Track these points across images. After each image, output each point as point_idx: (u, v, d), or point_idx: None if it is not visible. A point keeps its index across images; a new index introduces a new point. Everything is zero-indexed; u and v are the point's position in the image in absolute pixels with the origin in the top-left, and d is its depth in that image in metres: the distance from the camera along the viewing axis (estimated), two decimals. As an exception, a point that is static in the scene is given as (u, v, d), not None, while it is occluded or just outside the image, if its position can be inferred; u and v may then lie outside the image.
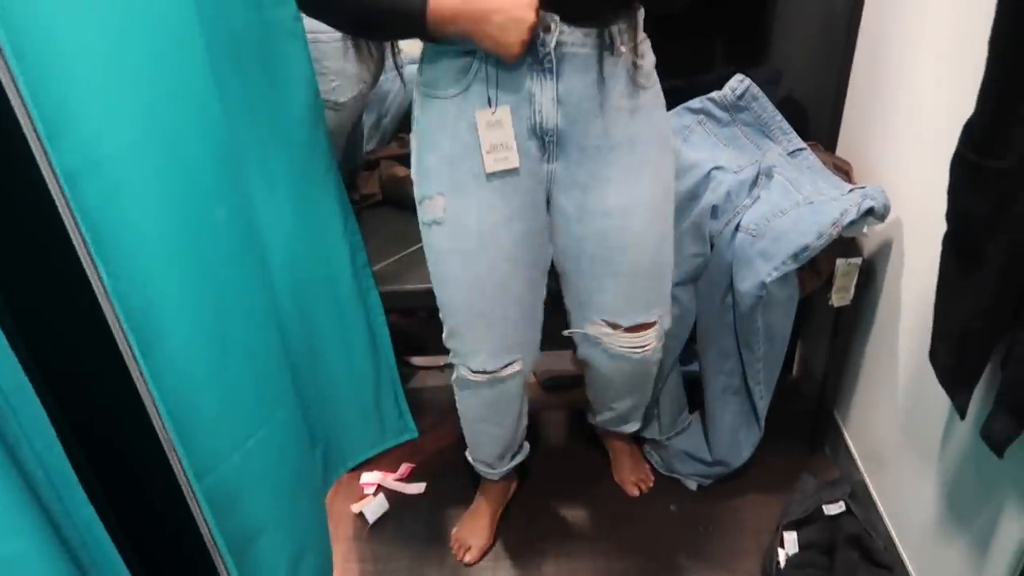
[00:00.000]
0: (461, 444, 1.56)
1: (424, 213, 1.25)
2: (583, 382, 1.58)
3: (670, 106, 1.56)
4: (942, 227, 1.00)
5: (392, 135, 1.95)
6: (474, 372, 1.35)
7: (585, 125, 1.14)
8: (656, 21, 1.17)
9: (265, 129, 1.27)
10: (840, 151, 1.64)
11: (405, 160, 1.76)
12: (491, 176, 1.17)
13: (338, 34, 1.49)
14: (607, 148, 1.17)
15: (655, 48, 1.19)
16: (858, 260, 1.44)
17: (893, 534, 1.48)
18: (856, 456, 1.64)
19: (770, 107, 1.54)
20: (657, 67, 1.20)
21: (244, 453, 1.15)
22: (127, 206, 0.87)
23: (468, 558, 1.58)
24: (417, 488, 1.75)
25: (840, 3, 1.53)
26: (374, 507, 1.69)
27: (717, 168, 1.46)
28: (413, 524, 1.68)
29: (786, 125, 1.55)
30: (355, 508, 1.70)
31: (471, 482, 1.67)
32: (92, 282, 0.63)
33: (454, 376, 1.42)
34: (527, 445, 1.60)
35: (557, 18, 1.05)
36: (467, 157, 1.16)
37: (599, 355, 1.36)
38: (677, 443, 1.69)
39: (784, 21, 1.82)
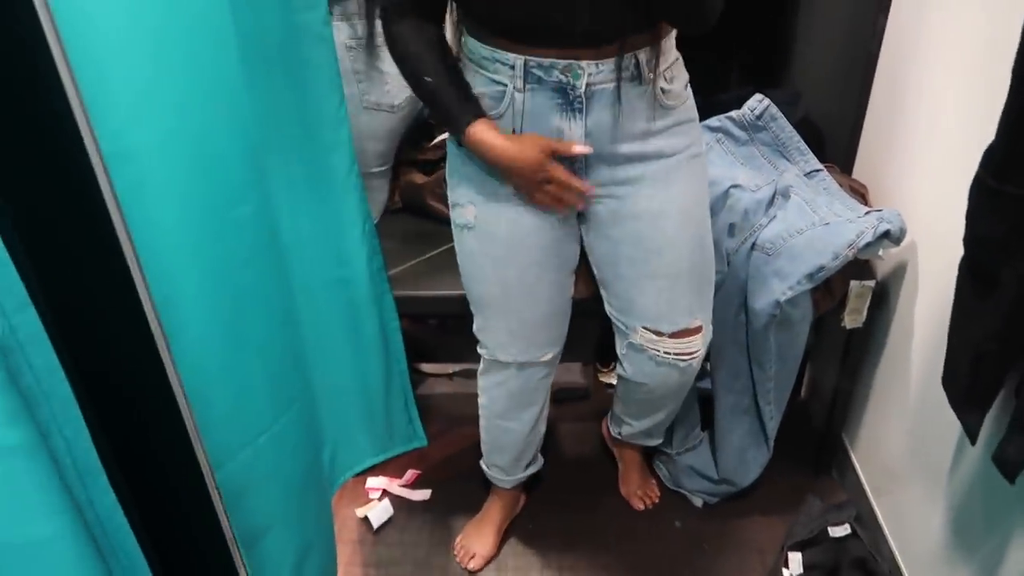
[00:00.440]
0: (468, 452, 1.56)
1: (456, 216, 1.29)
2: (591, 395, 1.58)
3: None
4: (957, 252, 1.01)
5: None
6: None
7: (615, 148, 1.17)
8: (678, 40, 1.19)
9: (289, 130, 1.29)
10: (857, 173, 1.65)
11: (423, 166, 1.79)
12: None
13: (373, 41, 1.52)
14: (637, 159, 1.19)
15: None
16: (872, 283, 1.44)
17: (899, 558, 1.47)
18: (863, 479, 1.64)
19: (788, 127, 1.55)
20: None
21: (255, 449, 1.16)
22: (152, 198, 0.89)
23: (472, 565, 1.58)
24: (422, 495, 1.75)
25: (861, 26, 1.55)
26: (379, 512, 1.69)
27: (735, 186, 1.47)
28: (417, 530, 1.68)
29: (803, 146, 1.56)
30: (360, 512, 1.70)
31: (477, 491, 1.67)
32: (132, 271, 0.64)
33: (481, 365, 1.44)
34: (541, 458, 1.61)
35: (584, 65, 1.09)
36: (496, 175, 1.19)
37: (646, 363, 1.36)
38: (685, 459, 1.69)
39: (804, 43, 1.84)
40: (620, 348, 1.39)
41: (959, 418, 1.07)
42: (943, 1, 1.32)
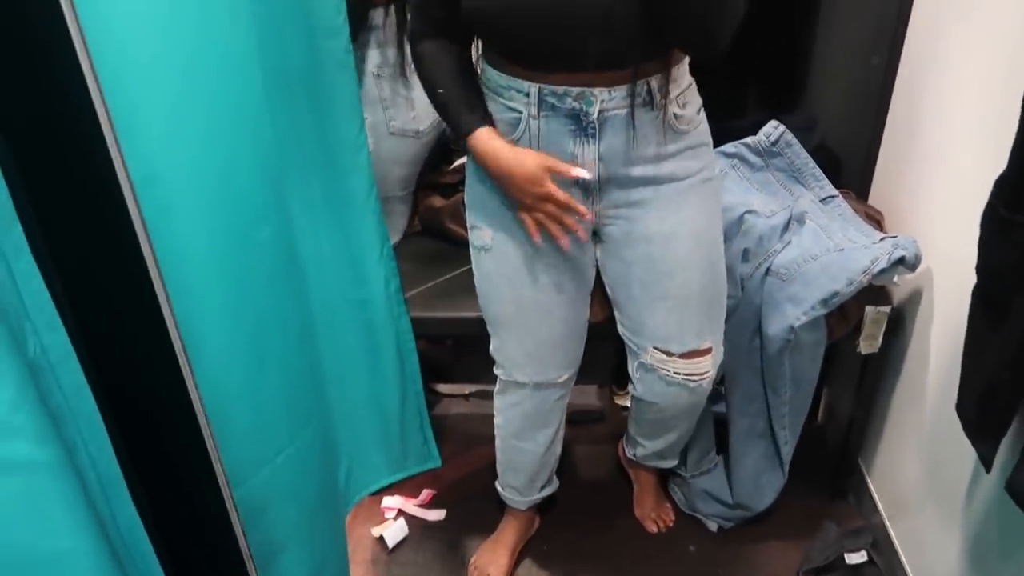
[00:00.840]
0: (483, 473, 1.57)
1: (474, 237, 1.31)
2: (606, 417, 1.59)
3: (704, 149, 1.59)
4: (972, 279, 1.01)
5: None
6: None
7: (628, 171, 1.19)
8: (693, 67, 1.20)
9: (310, 154, 1.32)
10: (872, 200, 1.66)
11: (443, 190, 1.82)
12: None
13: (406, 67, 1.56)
14: (650, 182, 1.21)
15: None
16: (887, 308, 1.44)
17: (915, 587, 1.46)
18: (880, 505, 1.63)
19: (803, 154, 1.56)
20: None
21: (273, 468, 1.18)
22: (177, 220, 0.92)
23: (485, 586, 1.59)
24: (438, 515, 1.76)
25: (877, 54, 1.56)
26: (394, 531, 1.70)
27: (749, 212, 1.48)
28: (432, 550, 1.68)
29: (819, 172, 1.57)
30: (375, 532, 1.71)
31: (492, 512, 1.68)
32: (156, 290, 0.67)
33: (497, 386, 1.45)
34: (556, 480, 1.61)
35: (597, 92, 1.11)
36: (499, 184, 1.21)
37: (656, 383, 1.37)
38: (700, 482, 1.69)
39: (820, 69, 1.85)
40: (632, 368, 1.41)
41: (973, 446, 1.07)
42: (958, 29, 1.33)
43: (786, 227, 1.47)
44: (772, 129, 1.56)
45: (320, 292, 1.40)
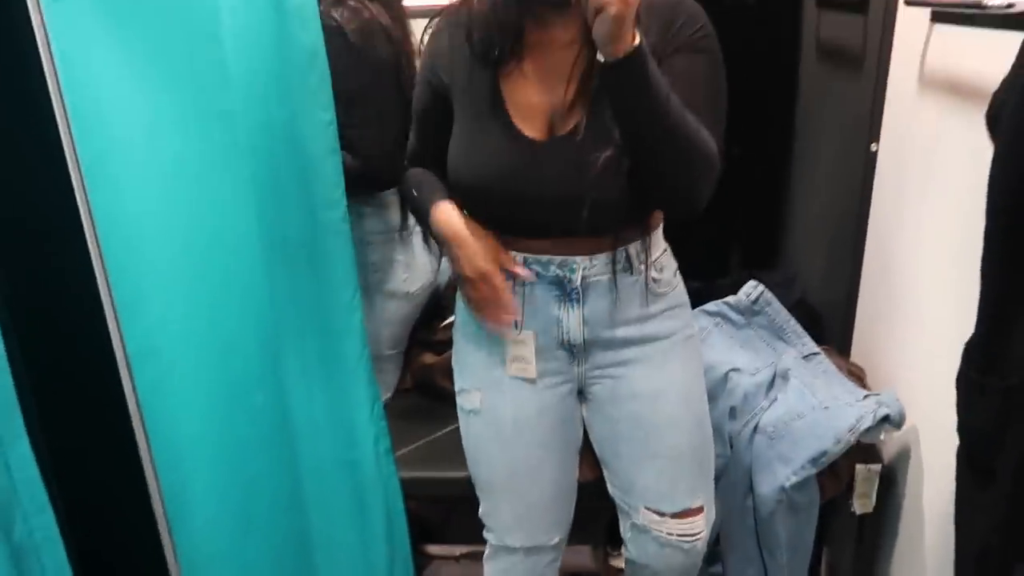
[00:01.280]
0: (473, 642, 1.49)
1: (463, 401, 1.33)
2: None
3: (688, 308, 1.64)
4: (956, 436, 1.02)
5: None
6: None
7: (611, 333, 1.23)
8: (674, 227, 1.27)
9: (306, 318, 1.36)
10: (854, 356, 1.69)
11: (434, 347, 1.85)
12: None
13: (405, 229, 1.63)
14: (633, 343, 1.24)
15: (673, 254, 1.29)
16: (878, 466, 1.44)
17: None
18: (891, 677, 1.54)
19: (784, 312, 1.61)
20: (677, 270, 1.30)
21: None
22: (173, 391, 0.94)
23: None
24: None
25: (847, 212, 1.64)
26: None
27: (734, 370, 1.51)
28: None
29: (800, 329, 1.61)
30: None
31: None
32: (142, 457, 0.67)
33: (487, 551, 1.41)
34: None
35: (579, 260, 1.17)
36: (500, 361, 1.26)
37: (650, 545, 1.34)
38: (699, 652, 1.61)
39: (796, 228, 1.94)
40: (624, 529, 1.38)
41: (976, 614, 1.04)
42: (917, 197, 1.42)
43: (771, 384, 1.50)
44: (751, 288, 1.62)
45: (310, 454, 1.40)
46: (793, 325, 1.60)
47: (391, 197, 1.63)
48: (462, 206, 1.24)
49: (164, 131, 0.93)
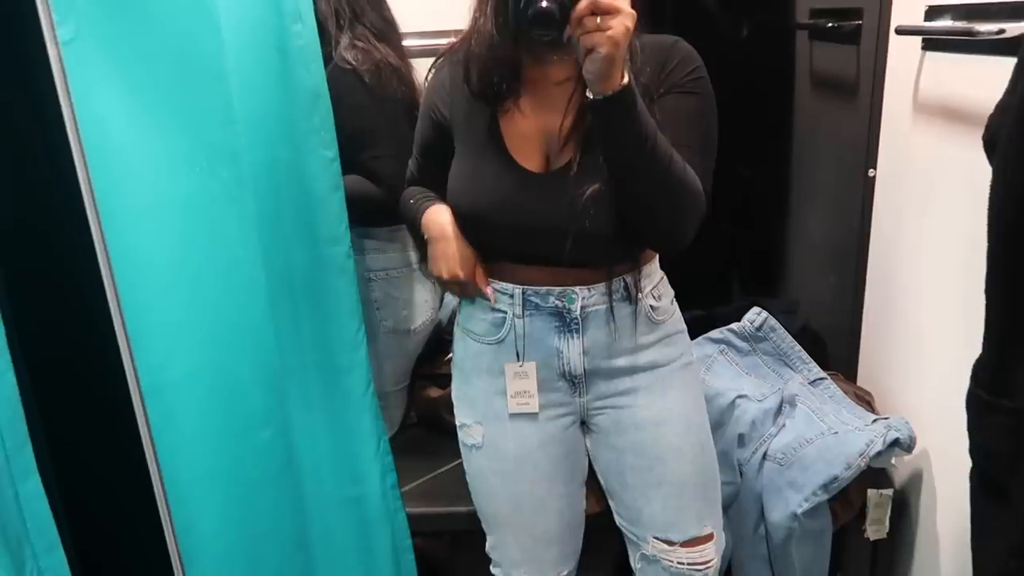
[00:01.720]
0: None
1: (464, 436, 1.32)
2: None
3: (692, 336, 1.64)
4: (968, 459, 1.01)
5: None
6: None
7: (611, 363, 1.23)
8: (676, 255, 1.28)
9: (311, 353, 1.36)
10: (861, 381, 1.69)
11: (439, 380, 1.84)
12: None
13: (406, 266, 1.64)
14: (633, 371, 1.24)
15: (676, 282, 1.30)
16: (890, 491, 1.42)
17: None
18: None
19: (788, 338, 1.61)
20: (678, 298, 1.30)
21: None
22: (181, 428, 0.94)
23: None
24: None
25: (846, 238, 1.65)
26: None
27: (741, 396, 1.51)
28: None
29: (805, 355, 1.61)
30: None
31: None
32: (158, 498, 0.67)
33: None
34: None
35: (578, 290, 1.18)
36: (501, 394, 1.25)
37: (660, 575, 1.32)
38: None
39: (798, 255, 1.95)
40: (634, 561, 1.36)
41: (996, 640, 1.02)
42: (916, 220, 1.43)
43: (778, 410, 1.49)
44: (755, 316, 1.62)
45: (316, 490, 1.39)
46: (798, 351, 1.60)
47: (392, 234, 1.65)
48: (463, 235, 1.25)
49: (171, 169, 0.94)
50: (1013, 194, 0.85)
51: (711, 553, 1.30)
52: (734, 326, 1.64)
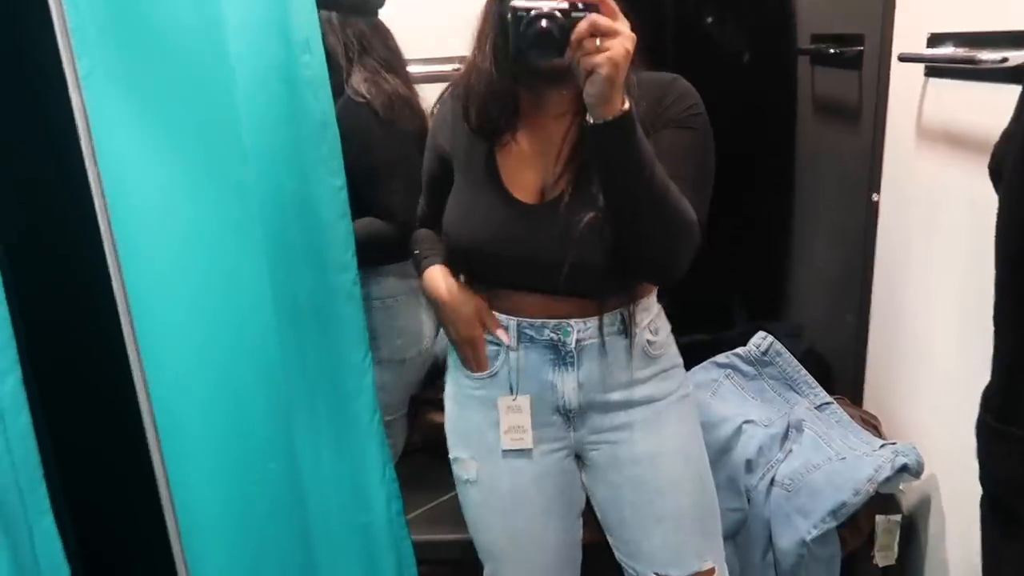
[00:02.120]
0: None
1: (459, 470, 1.32)
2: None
3: (697, 360, 1.64)
4: (977, 484, 1.01)
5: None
6: None
7: (606, 397, 1.23)
8: (680, 281, 1.28)
9: (316, 381, 1.35)
10: (867, 405, 1.68)
11: (441, 405, 1.84)
12: None
13: (403, 293, 1.63)
14: (628, 405, 1.24)
15: (680, 306, 1.30)
16: (898, 517, 1.42)
17: None
18: None
19: (794, 363, 1.61)
20: (682, 322, 1.30)
21: None
22: (188, 458, 0.93)
23: None
24: None
25: (853, 262, 1.66)
26: None
27: (747, 422, 1.50)
28: None
29: (811, 380, 1.60)
30: None
31: None
32: (169, 529, 0.67)
33: None
34: None
35: (573, 323, 1.18)
36: (494, 426, 1.25)
37: None
38: None
39: (802, 279, 1.95)
40: None
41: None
42: (923, 242, 1.43)
43: (785, 436, 1.49)
44: (760, 340, 1.62)
45: (322, 518, 1.38)
46: (804, 375, 1.60)
47: (387, 267, 1.65)
48: (458, 267, 1.26)
49: (182, 199, 0.95)
50: (1020, 222, 0.85)
51: None
52: (740, 350, 1.64)
